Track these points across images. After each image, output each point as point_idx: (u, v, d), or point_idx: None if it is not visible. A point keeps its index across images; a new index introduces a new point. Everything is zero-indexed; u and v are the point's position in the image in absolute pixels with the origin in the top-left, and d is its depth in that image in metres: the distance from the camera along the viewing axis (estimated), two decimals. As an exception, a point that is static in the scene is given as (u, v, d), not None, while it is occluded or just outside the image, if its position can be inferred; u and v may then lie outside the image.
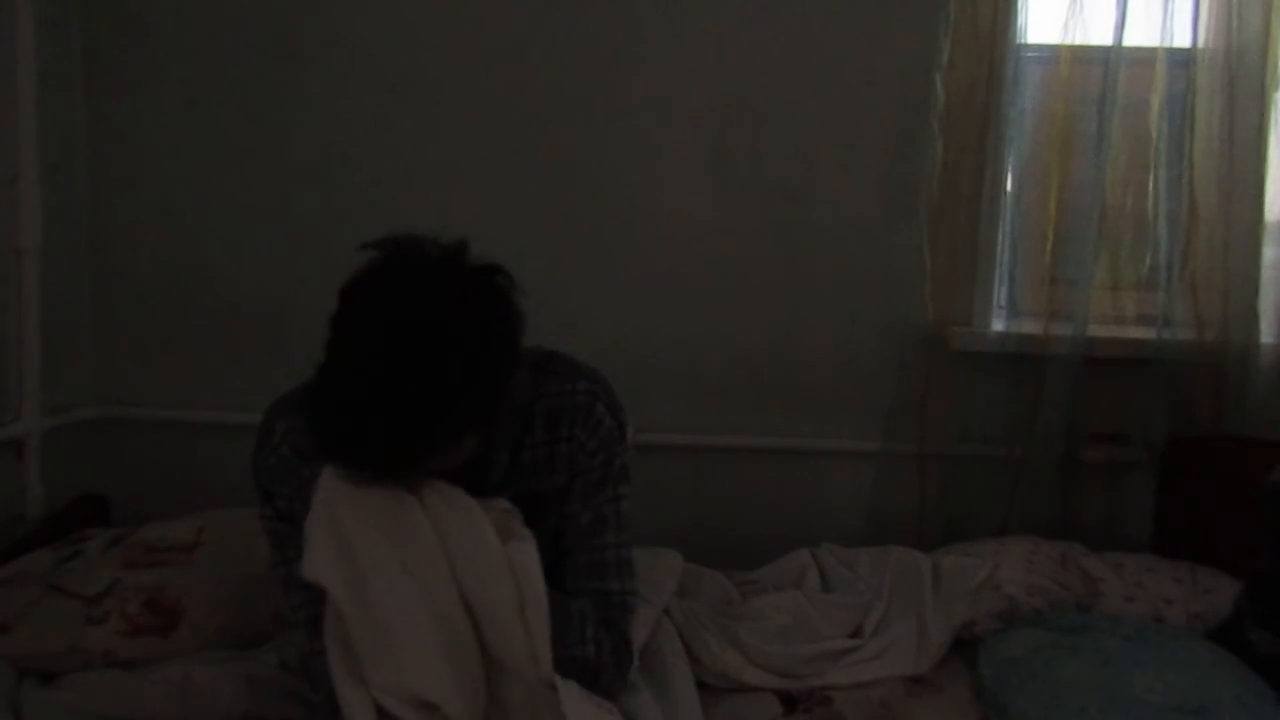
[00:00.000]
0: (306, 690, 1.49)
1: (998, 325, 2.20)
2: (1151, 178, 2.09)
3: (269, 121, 2.16)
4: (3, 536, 1.94)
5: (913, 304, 2.14)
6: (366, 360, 1.10)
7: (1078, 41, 2.05)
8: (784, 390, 2.21)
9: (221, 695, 1.56)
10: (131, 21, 2.15)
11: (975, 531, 2.11)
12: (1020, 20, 2.07)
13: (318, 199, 2.17)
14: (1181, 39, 2.04)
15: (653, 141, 2.15)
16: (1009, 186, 2.16)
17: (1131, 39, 2.03)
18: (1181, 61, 2.05)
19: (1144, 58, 2.06)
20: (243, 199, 2.18)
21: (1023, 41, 2.09)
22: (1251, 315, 2.07)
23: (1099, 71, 2.05)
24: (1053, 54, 2.09)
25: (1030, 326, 2.16)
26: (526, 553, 1.25)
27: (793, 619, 1.78)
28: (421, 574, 1.22)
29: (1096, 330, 2.12)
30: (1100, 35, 2.04)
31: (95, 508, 2.13)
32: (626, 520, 1.39)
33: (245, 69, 2.15)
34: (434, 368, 1.10)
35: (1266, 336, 2.09)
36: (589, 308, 2.16)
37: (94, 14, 2.14)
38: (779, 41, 2.11)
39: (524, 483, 1.34)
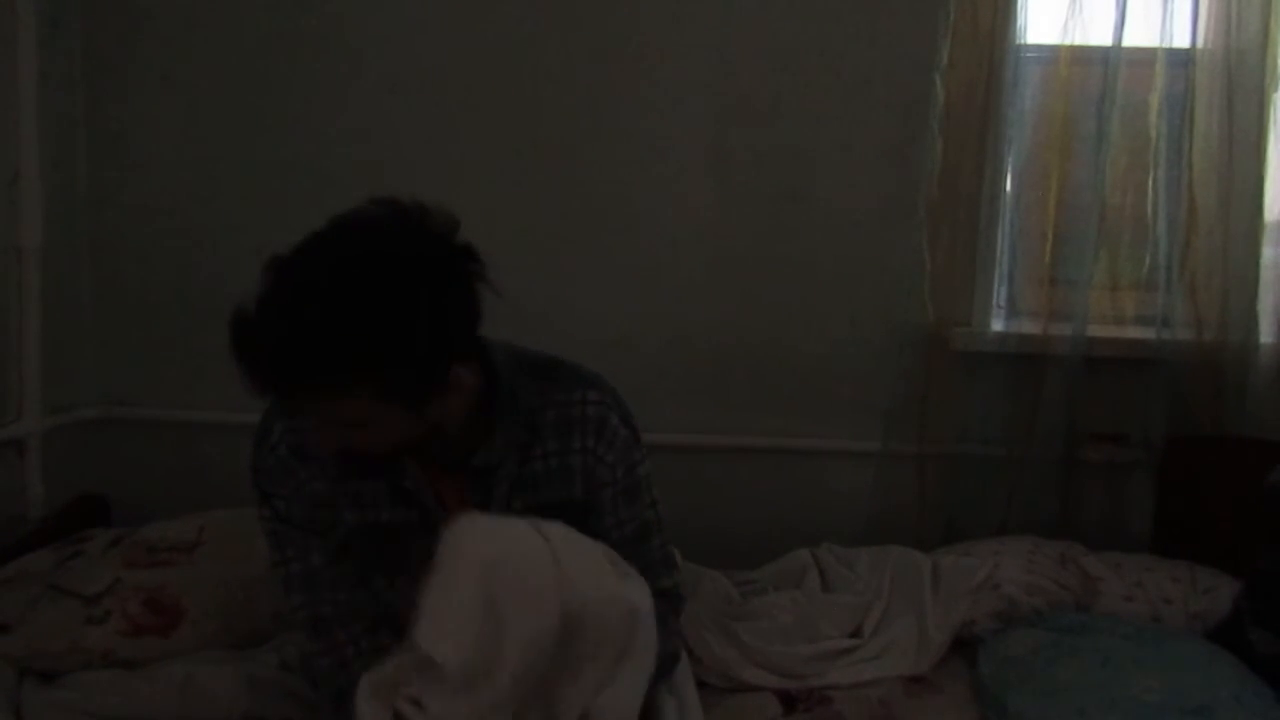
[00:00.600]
0: (306, 690, 1.49)
1: (997, 325, 2.20)
2: (1151, 178, 2.09)
3: (269, 121, 2.16)
4: (3, 536, 1.94)
5: (913, 304, 2.14)
6: (292, 268, 1.13)
7: (1077, 42, 2.05)
8: (784, 390, 2.21)
9: (221, 695, 1.56)
10: (131, 21, 2.15)
11: (975, 531, 2.11)
12: (1020, 20, 2.07)
13: (318, 199, 2.13)
14: (1181, 39, 2.04)
15: (653, 141, 2.15)
16: (1009, 186, 2.17)
17: (1131, 39, 2.03)
18: (1181, 62, 2.05)
19: (1143, 58, 2.06)
20: (243, 199, 2.18)
21: (1022, 42, 2.09)
22: (1251, 315, 2.08)
23: (1098, 72, 2.05)
24: (1052, 54, 2.09)
25: (1030, 326, 2.16)
26: (639, 591, 1.24)
27: (793, 619, 1.78)
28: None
29: (1096, 330, 2.12)
30: (1100, 35, 2.04)
31: (96, 508, 2.13)
32: (664, 522, 1.42)
33: (245, 69, 2.15)
34: (359, 294, 1.09)
35: (1266, 336, 2.09)
36: (589, 307, 2.16)
37: (94, 14, 2.14)
38: (779, 41, 2.12)
39: (534, 493, 1.33)
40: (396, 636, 1.34)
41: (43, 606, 1.67)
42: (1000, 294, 2.22)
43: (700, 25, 2.12)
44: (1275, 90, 2.03)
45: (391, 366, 1.12)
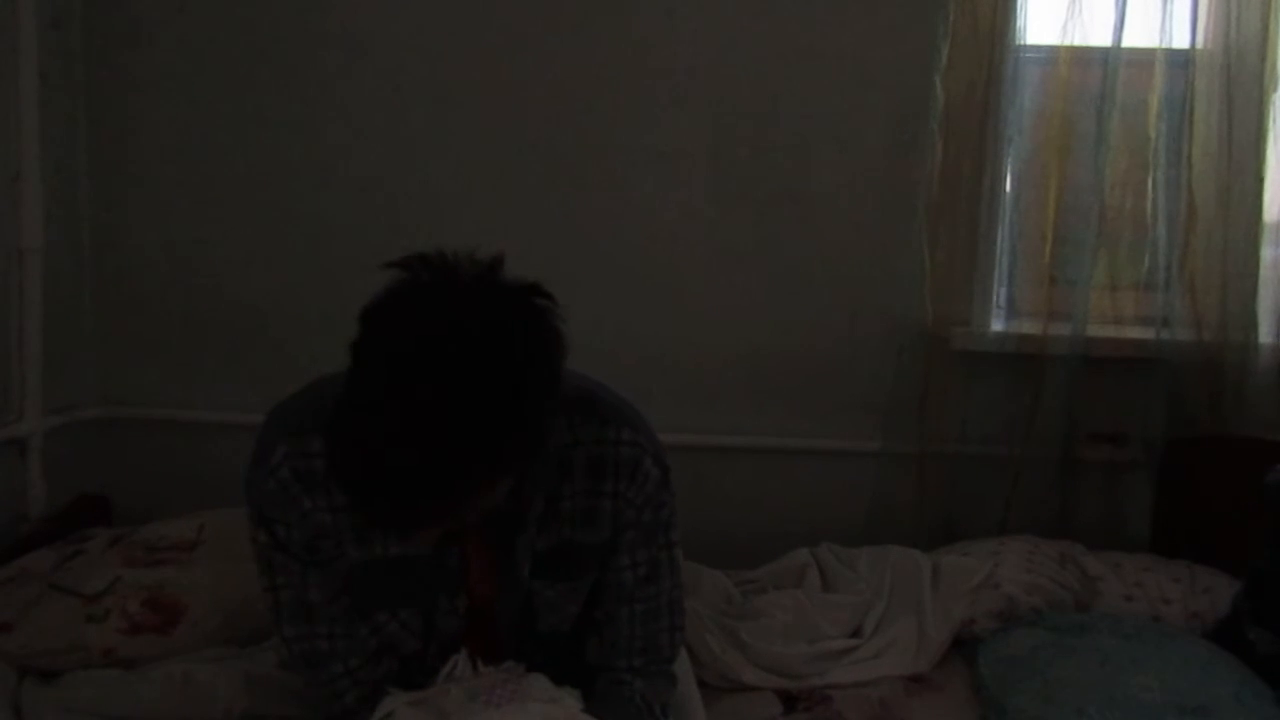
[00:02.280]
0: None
1: (997, 325, 2.20)
2: (1150, 178, 2.09)
3: (269, 121, 2.16)
4: (4, 536, 1.94)
5: (913, 304, 2.14)
6: (392, 389, 0.96)
7: (1077, 42, 2.06)
8: (784, 390, 2.21)
9: (221, 693, 1.56)
10: (131, 22, 2.15)
11: (975, 531, 2.11)
12: (1019, 21, 2.07)
13: (318, 199, 2.17)
14: (1180, 40, 2.04)
15: (653, 141, 2.15)
16: (1008, 186, 2.17)
17: (1130, 40, 2.03)
18: (1180, 62, 2.05)
19: (1143, 59, 2.06)
20: (243, 199, 2.19)
21: (1022, 42, 2.09)
22: (1250, 315, 2.08)
23: (1098, 72, 2.05)
24: (1052, 55, 2.09)
25: (1029, 326, 2.16)
26: None
27: (793, 618, 1.78)
28: None
29: (1096, 330, 2.12)
30: (1099, 36, 2.04)
31: (97, 507, 2.13)
32: (679, 565, 1.35)
33: (245, 69, 2.15)
34: (472, 395, 0.97)
35: (1265, 336, 2.09)
36: (588, 307, 2.13)
37: (94, 14, 2.14)
38: (779, 42, 2.12)
39: (560, 533, 1.26)
40: (398, 665, 1.33)
41: (43, 606, 1.67)
42: (1000, 294, 2.22)
43: (700, 25, 2.12)
44: (1275, 90, 2.03)
45: (533, 444, 1.05)
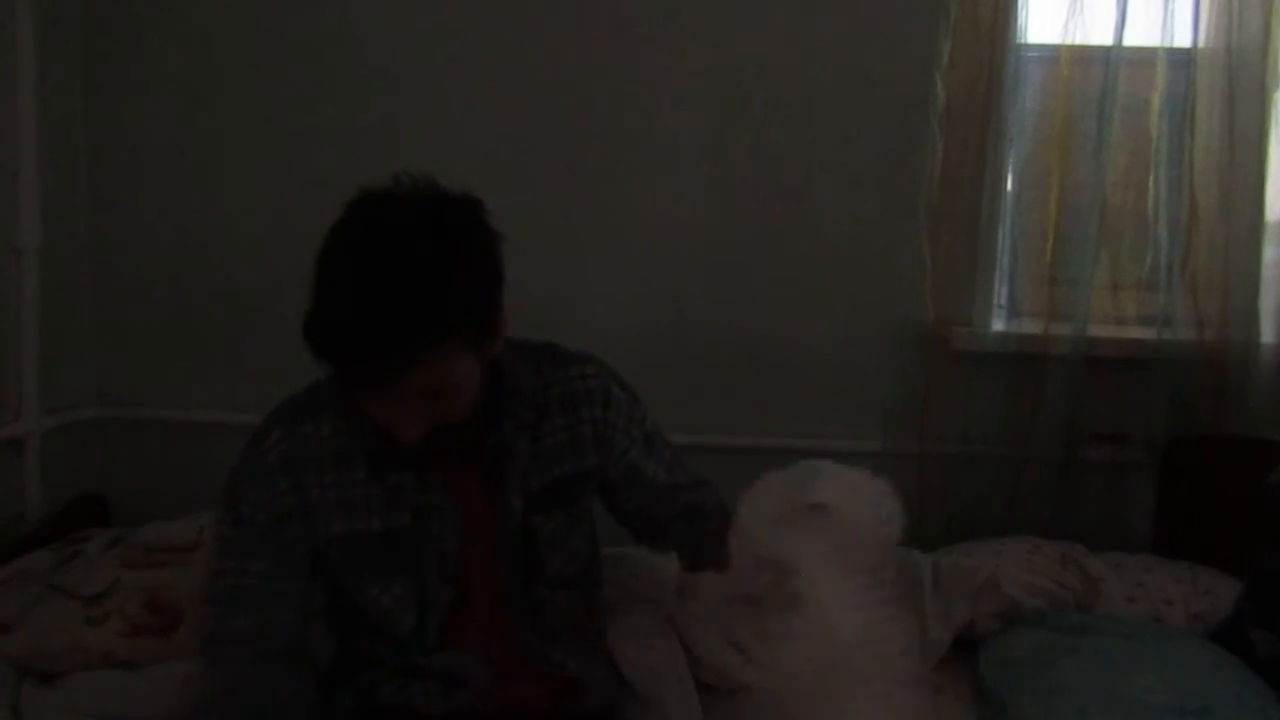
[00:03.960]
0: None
1: (998, 325, 2.20)
2: (1152, 178, 2.09)
3: (269, 121, 2.16)
4: (3, 536, 1.94)
5: (913, 304, 2.13)
6: (350, 260, 1.14)
7: (1078, 41, 2.05)
8: (784, 390, 2.21)
9: (221, 695, 1.56)
10: (131, 21, 2.14)
11: (976, 531, 2.11)
12: (1020, 20, 2.07)
13: (318, 199, 2.14)
14: (1182, 39, 2.04)
15: (653, 141, 2.15)
16: (1009, 186, 2.16)
17: (1131, 39, 2.03)
18: (1181, 61, 2.05)
19: (1144, 58, 2.05)
20: (243, 198, 2.18)
21: (1023, 41, 2.09)
22: (1251, 315, 2.07)
23: (1099, 71, 2.05)
24: (1053, 54, 2.09)
25: (1030, 326, 2.16)
26: None
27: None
28: None
29: (1097, 330, 2.12)
30: (1100, 35, 2.04)
31: (95, 508, 2.13)
32: (676, 452, 1.51)
33: (245, 69, 2.15)
34: (418, 258, 1.12)
35: (1266, 336, 2.09)
36: (588, 307, 2.16)
37: (94, 14, 2.14)
38: (779, 41, 2.11)
39: (549, 469, 1.36)
40: (389, 646, 1.34)
41: (42, 607, 1.67)
42: (1001, 294, 2.22)
43: (700, 25, 2.11)
44: (1276, 90, 2.02)
45: (471, 310, 1.17)
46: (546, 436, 1.36)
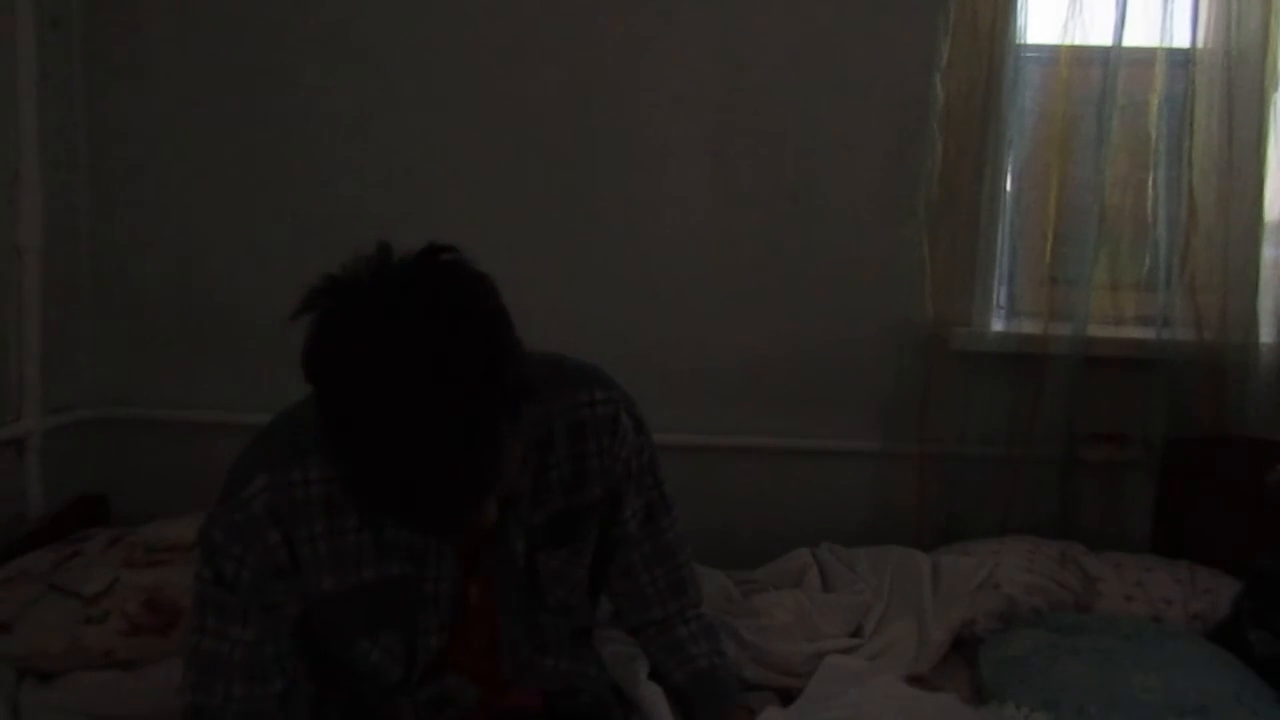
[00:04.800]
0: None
1: (998, 325, 2.20)
2: (1151, 178, 2.09)
3: (269, 121, 2.16)
4: (3, 536, 1.94)
5: (913, 304, 2.14)
6: (387, 434, 0.98)
7: (1077, 42, 2.05)
8: (784, 390, 2.21)
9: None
10: (132, 21, 2.15)
11: (975, 531, 2.11)
12: (1020, 20, 2.07)
13: (318, 199, 2.17)
14: (1181, 39, 2.04)
15: (653, 142, 2.15)
16: (1009, 186, 2.17)
17: (1131, 39, 2.03)
18: (1181, 62, 2.05)
19: (1143, 58, 2.06)
20: (243, 199, 2.18)
21: (1022, 42, 2.09)
22: (1251, 315, 2.07)
23: (1098, 72, 2.05)
24: (1052, 54, 2.09)
25: (1030, 326, 2.16)
26: None
27: (793, 618, 1.78)
28: None
29: (1096, 330, 2.12)
30: (1100, 36, 2.04)
31: (95, 507, 2.13)
32: (671, 502, 1.43)
33: (245, 69, 2.15)
34: (465, 403, 0.98)
35: (1266, 336, 2.09)
36: (589, 308, 2.16)
37: (94, 14, 2.14)
38: (779, 42, 2.12)
39: (554, 502, 1.29)
40: (373, 690, 1.30)
41: (42, 606, 1.66)
42: (1000, 294, 2.22)
43: (700, 25, 2.12)
44: (1275, 90, 2.03)
45: (519, 415, 1.05)
46: (551, 469, 1.28)
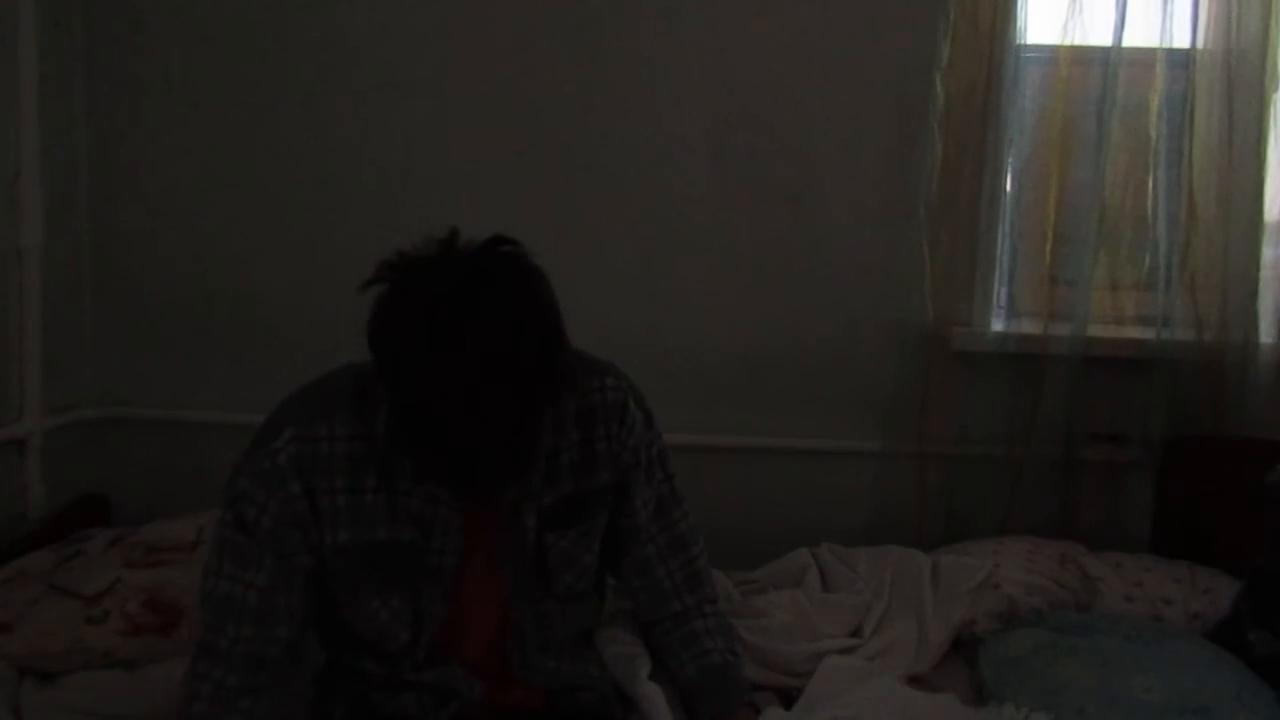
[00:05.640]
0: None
1: (998, 325, 2.20)
2: (1151, 178, 2.09)
3: (269, 121, 2.16)
4: (4, 536, 1.94)
5: (913, 304, 2.14)
6: (448, 405, 1.06)
7: (1077, 42, 2.05)
8: (784, 390, 2.21)
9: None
10: (132, 22, 2.15)
11: (975, 531, 2.11)
12: (1020, 20, 2.07)
13: (319, 199, 2.17)
14: (1181, 40, 2.04)
15: (652, 142, 2.15)
16: (1009, 186, 2.17)
17: (1131, 40, 2.03)
18: (1181, 62, 2.05)
19: (1143, 58, 2.06)
20: (243, 199, 2.18)
21: (1022, 42, 2.09)
22: (1251, 315, 2.08)
23: (1098, 72, 2.05)
24: (1052, 54, 2.09)
25: (1030, 326, 2.16)
26: None
27: (793, 618, 1.78)
28: None
29: (1096, 330, 2.12)
30: (1100, 36, 2.04)
31: (96, 507, 2.13)
32: (681, 496, 1.47)
33: (245, 69, 2.15)
34: (523, 390, 1.08)
35: (1266, 336, 2.09)
36: (588, 308, 2.13)
37: (94, 14, 2.14)
38: (779, 42, 2.12)
39: (564, 485, 1.33)
40: (377, 662, 1.32)
41: (42, 606, 1.66)
42: (1000, 294, 2.22)
43: (700, 25, 2.12)
44: (1275, 90, 2.03)
45: (558, 375, 1.15)
46: (562, 452, 1.32)
